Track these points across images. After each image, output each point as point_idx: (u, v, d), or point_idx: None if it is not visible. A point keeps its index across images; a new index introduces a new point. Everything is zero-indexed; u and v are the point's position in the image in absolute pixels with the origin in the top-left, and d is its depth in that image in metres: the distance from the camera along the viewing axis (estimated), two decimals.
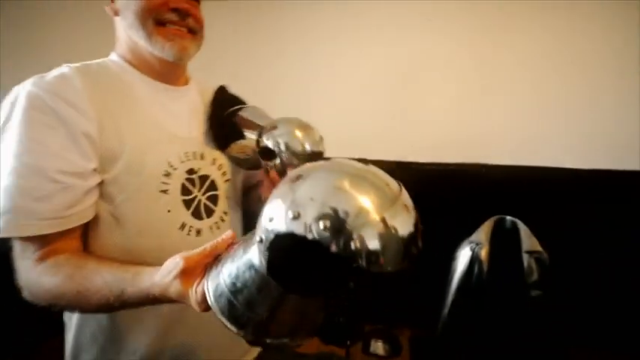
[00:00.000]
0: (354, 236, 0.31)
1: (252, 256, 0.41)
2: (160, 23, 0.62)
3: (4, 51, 1.55)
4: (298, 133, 0.62)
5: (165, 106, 0.67)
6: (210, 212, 0.69)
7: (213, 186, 0.70)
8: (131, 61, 0.66)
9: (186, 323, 0.65)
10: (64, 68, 0.59)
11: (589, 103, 1.46)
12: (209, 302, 0.44)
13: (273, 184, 0.62)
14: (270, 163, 0.63)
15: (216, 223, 0.69)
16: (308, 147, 0.61)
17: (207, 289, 0.44)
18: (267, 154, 0.62)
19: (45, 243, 0.54)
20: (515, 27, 1.47)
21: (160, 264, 0.55)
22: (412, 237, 0.32)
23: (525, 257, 1.26)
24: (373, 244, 0.30)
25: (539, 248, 1.27)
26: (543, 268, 1.23)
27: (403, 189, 0.36)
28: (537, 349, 1.27)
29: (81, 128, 0.54)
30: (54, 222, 0.53)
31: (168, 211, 0.62)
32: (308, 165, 0.40)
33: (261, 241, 0.37)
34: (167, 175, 0.62)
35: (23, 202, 0.51)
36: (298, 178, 0.37)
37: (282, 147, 0.61)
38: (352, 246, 0.31)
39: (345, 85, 1.59)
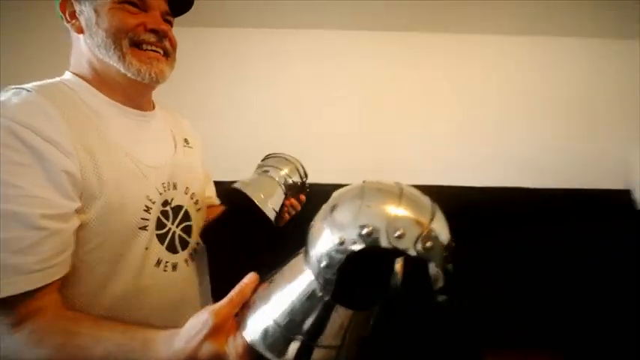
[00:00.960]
0: (424, 238, 0.36)
1: (306, 285, 0.41)
2: (136, 44, 0.58)
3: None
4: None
5: (136, 134, 0.61)
6: (185, 244, 0.64)
7: (187, 216, 0.65)
8: (93, 82, 0.58)
9: None
10: (23, 92, 0.50)
11: (502, 127, 1.71)
12: (259, 349, 0.39)
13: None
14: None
15: (190, 254, 0.65)
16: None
17: (251, 337, 0.40)
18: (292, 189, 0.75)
19: (23, 301, 0.44)
20: (434, 58, 1.72)
21: (135, 307, 0.53)
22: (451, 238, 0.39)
23: (431, 266, 1.38)
24: (442, 238, 0.37)
25: None
26: (448, 275, 1.35)
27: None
28: (452, 351, 1.36)
29: (61, 166, 0.47)
30: (41, 274, 0.45)
31: (146, 248, 0.56)
32: (337, 193, 0.42)
33: (327, 266, 0.38)
34: (147, 210, 0.56)
35: (1, 257, 0.42)
36: (334, 207, 0.40)
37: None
38: (427, 244, 0.36)
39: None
